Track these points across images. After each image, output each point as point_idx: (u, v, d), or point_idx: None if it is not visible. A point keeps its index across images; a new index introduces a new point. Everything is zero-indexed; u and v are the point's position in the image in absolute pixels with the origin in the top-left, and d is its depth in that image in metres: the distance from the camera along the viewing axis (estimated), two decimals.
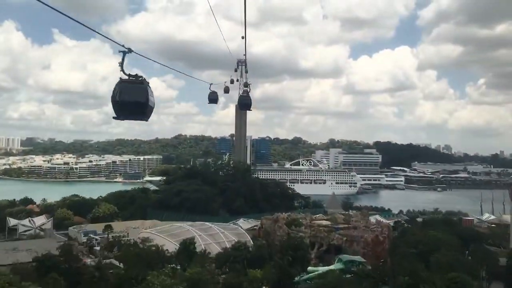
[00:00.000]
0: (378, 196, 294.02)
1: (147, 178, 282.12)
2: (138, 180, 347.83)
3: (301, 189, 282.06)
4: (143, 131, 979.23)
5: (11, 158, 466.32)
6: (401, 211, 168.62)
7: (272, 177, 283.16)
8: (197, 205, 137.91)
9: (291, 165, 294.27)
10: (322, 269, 76.67)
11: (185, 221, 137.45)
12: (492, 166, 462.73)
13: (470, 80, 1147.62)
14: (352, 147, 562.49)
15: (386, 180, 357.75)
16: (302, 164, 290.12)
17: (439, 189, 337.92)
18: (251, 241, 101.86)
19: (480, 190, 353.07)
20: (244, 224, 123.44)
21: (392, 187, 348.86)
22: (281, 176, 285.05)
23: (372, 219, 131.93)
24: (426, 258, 71.69)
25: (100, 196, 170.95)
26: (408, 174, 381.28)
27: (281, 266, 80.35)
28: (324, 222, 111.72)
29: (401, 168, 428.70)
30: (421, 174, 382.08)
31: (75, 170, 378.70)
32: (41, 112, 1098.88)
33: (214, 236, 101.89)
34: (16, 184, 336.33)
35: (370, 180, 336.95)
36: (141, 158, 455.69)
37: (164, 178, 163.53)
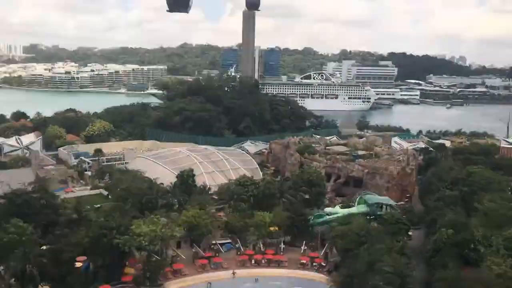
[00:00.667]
0: (391, 112, 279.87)
1: (150, 90, 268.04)
2: (142, 92, 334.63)
3: (311, 104, 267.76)
4: (148, 40, 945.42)
5: (12, 66, 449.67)
6: (420, 132, 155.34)
7: (282, 92, 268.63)
8: (199, 125, 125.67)
9: (301, 78, 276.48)
10: (342, 211, 65.16)
11: (186, 142, 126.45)
12: (511, 79, 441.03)
13: None
14: (365, 58, 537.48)
15: (401, 95, 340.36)
16: (314, 78, 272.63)
17: (448, 105, 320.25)
18: (259, 171, 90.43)
19: (499, 105, 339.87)
20: (251, 147, 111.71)
21: (406, 101, 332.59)
22: (291, 90, 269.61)
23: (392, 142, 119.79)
24: (469, 203, 59.60)
25: (96, 112, 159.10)
26: (424, 88, 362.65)
27: (293, 205, 69.56)
28: (341, 148, 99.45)
29: (417, 81, 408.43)
30: (437, 88, 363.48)
31: (76, 80, 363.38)
32: (44, 18, 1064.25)
33: (217, 164, 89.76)
34: (16, 94, 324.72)
35: (384, 94, 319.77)
36: (145, 68, 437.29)
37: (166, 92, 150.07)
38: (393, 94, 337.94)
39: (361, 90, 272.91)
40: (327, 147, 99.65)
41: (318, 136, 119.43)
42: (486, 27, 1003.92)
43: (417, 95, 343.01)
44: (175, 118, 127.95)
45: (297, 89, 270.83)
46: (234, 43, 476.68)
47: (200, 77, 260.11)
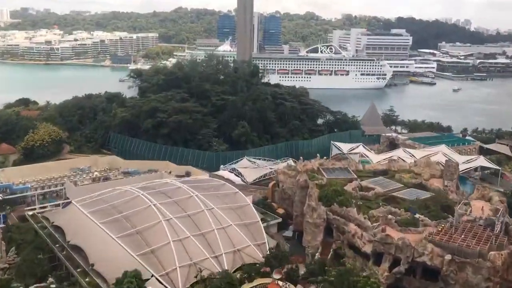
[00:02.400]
0: (405, 90, 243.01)
1: (133, 66, 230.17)
2: (127, 65, 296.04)
3: (319, 81, 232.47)
4: (141, 4, 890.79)
5: None
6: (465, 130, 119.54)
7: (284, 68, 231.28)
8: (179, 131, 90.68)
9: (307, 52, 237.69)
10: None
11: (160, 157, 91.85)
12: None
13: None
14: (371, 23, 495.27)
15: (416, 67, 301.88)
16: (321, 51, 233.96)
17: (460, 80, 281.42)
18: (263, 233, 55.18)
19: None
20: (247, 171, 76.69)
21: (421, 75, 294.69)
22: (295, 65, 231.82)
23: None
24: None
25: (49, 106, 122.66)
26: (440, 59, 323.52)
27: None
28: (384, 182, 64.17)
29: (431, 51, 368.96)
30: (455, 60, 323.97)
31: (56, 51, 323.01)
32: None
33: (194, 220, 53.70)
34: None
35: (397, 67, 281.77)
36: (134, 36, 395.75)
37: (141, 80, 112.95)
38: (407, 67, 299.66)
39: (376, 65, 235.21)
40: (362, 182, 64.40)
41: (346, 153, 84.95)
42: None
43: (433, 67, 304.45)
44: (147, 121, 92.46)
45: (302, 64, 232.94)
46: (232, 6, 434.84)
47: (184, 57, 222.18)
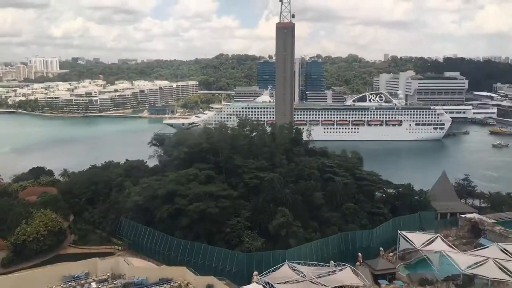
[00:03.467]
0: (467, 140, 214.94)
1: (167, 121, 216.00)
2: (165, 115, 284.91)
3: (368, 133, 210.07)
4: (184, 50, 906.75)
5: (36, 86, 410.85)
6: None
7: (329, 118, 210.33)
8: (201, 222, 70.94)
9: (354, 101, 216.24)
10: None
11: (175, 256, 71.85)
12: None
13: None
14: (418, 65, 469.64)
15: (474, 113, 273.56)
16: (370, 100, 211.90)
17: None
18: None
19: None
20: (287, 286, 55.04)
21: (481, 122, 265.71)
22: (341, 115, 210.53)
23: None
24: None
25: (62, 175, 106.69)
26: (500, 103, 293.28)
27: None
28: None
29: (487, 93, 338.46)
30: None
31: (95, 103, 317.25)
32: (85, 31, 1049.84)
33: None
34: (22, 120, 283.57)
35: (453, 112, 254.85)
36: (174, 85, 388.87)
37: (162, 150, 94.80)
38: (464, 112, 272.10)
39: (432, 114, 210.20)
40: None
41: (419, 248, 61.95)
42: None
43: (493, 112, 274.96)
44: (163, 208, 73.31)
45: (349, 114, 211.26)
46: (273, 52, 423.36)
47: (220, 111, 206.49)
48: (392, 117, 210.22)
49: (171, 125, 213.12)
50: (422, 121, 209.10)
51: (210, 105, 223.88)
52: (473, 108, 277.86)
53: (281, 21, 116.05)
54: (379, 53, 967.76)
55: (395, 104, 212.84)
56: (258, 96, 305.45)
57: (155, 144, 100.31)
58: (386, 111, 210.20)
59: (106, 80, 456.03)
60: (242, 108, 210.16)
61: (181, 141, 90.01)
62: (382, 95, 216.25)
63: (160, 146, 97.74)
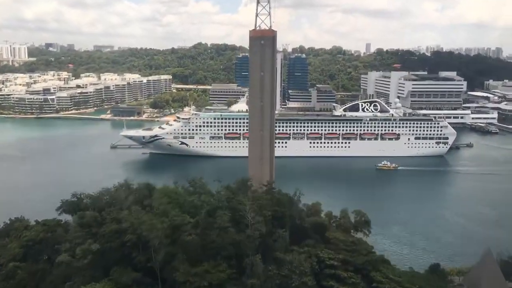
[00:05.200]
0: (475, 155, 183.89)
1: (125, 132, 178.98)
2: (131, 118, 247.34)
3: (360, 148, 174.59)
4: (162, 36, 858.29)
5: None
6: None
7: (316, 131, 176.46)
8: None
9: (345, 110, 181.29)
10: None
11: None
12: None
13: None
14: (404, 58, 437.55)
15: (473, 118, 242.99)
16: (363, 109, 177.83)
17: None
18: None
19: None
20: None
21: (482, 129, 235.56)
22: (330, 127, 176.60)
23: None
24: None
25: None
26: (500, 106, 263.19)
27: None
28: None
29: (484, 94, 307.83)
30: None
31: (51, 102, 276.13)
32: (58, 13, 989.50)
33: None
34: None
35: (450, 117, 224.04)
36: (144, 80, 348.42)
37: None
38: (462, 118, 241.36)
39: (434, 126, 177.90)
40: None
41: None
42: None
43: (494, 118, 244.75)
44: None
45: (339, 126, 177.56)
46: None
47: (188, 122, 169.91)
48: (388, 130, 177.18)
49: (130, 137, 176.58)
50: (423, 134, 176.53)
51: (177, 116, 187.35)
52: (471, 113, 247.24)
53: (257, 22, 79.23)
54: (360, 42, 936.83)
55: (392, 115, 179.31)
56: (235, 96, 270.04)
57: (65, 211, 65.62)
58: (382, 123, 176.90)
59: (73, 71, 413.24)
60: (214, 118, 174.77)
61: (96, 221, 55.31)
62: (377, 103, 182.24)
63: (73, 215, 62.83)
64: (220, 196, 59.19)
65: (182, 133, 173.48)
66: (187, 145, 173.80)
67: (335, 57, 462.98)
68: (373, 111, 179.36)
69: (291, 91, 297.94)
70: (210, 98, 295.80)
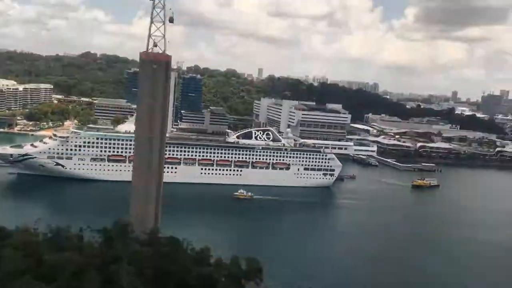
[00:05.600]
0: (358, 188, 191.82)
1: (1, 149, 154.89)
2: (1, 130, 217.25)
3: (252, 176, 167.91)
4: (48, 42, 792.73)
5: None
6: None
7: (207, 157, 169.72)
8: None
9: (238, 137, 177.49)
10: None
11: None
12: (451, 123, 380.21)
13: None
14: (294, 87, 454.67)
15: (355, 150, 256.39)
16: (256, 137, 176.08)
17: (407, 171, 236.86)
18: None
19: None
20: None
21: (362, 161, 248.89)
22: (222, 154, 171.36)
23: None
24: None
25: None
26: (379, 140, 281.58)
27: None
28: None
29: (364, 127, 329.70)
30: (395, 142, 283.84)
31: None
32: None
33: None
34: None
35: (335, 148, 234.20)
36: (21, 88, 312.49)
37: None
38: (345, 149, 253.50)
39: (322, 158, 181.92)
40: None
41: None
42: (395, 53, 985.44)
43: (374, 151, 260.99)
44: None
45: (231, 153, 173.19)
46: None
47: (67, 141, 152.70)
48: (280, 160, 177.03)
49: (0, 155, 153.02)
50: (312, 165, 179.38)
51: (54, 133, 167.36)
52: (354, 144, 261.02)
53: (150, 44, 70.42)
54: (252, 66, 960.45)
55: (284, 145, 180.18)
56: (124, 113, 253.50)
57: None
58: (274, 152, 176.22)
59: None
60: (97, 138, 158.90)
61: None
62: (270, 132, 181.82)
63: None
64: (91, 250, 48.86)
65: (58, 153, 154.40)
66: (63, 166, 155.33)
67: (229, 80, 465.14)
68: (265, 140, 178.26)
69: (184, 111, 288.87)
70: (96, 113, 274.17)
